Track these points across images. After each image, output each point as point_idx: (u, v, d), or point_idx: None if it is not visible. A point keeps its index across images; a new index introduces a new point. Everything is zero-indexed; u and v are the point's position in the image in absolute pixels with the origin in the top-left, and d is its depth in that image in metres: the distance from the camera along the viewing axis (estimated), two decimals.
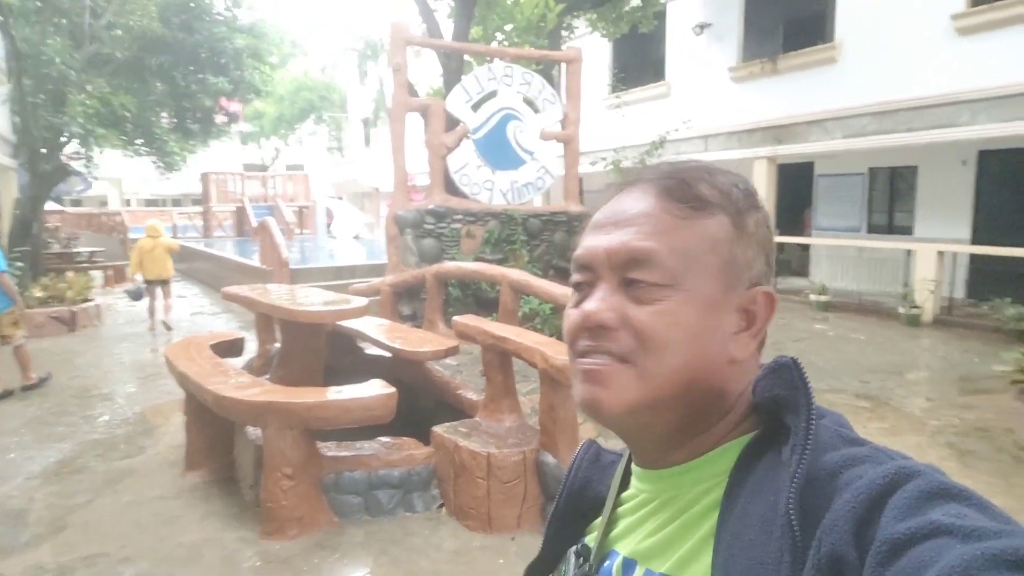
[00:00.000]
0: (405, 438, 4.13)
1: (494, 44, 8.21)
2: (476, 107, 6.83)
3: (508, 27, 7.84)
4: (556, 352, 3.53)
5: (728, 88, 12.70)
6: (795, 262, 13.75)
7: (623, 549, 0.64)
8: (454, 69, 7.42)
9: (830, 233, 12.44)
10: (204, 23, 13.69)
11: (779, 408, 0.56)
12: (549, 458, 3.70)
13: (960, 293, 10.24)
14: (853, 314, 10.49)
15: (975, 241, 10.16)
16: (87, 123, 11.79)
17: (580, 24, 11.96)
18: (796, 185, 13.38)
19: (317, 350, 4.76)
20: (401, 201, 6.65)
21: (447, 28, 8.21)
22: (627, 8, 10.18)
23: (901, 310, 9.72)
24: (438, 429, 4.04)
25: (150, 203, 32.93)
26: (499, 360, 4.08)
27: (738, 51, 12.59)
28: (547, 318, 6.06)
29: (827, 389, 6.59)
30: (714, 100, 12.91)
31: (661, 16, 13.56)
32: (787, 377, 0.56)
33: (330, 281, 10.11)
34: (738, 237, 0.60)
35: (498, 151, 6.90)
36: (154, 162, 17.42)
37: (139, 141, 16.07)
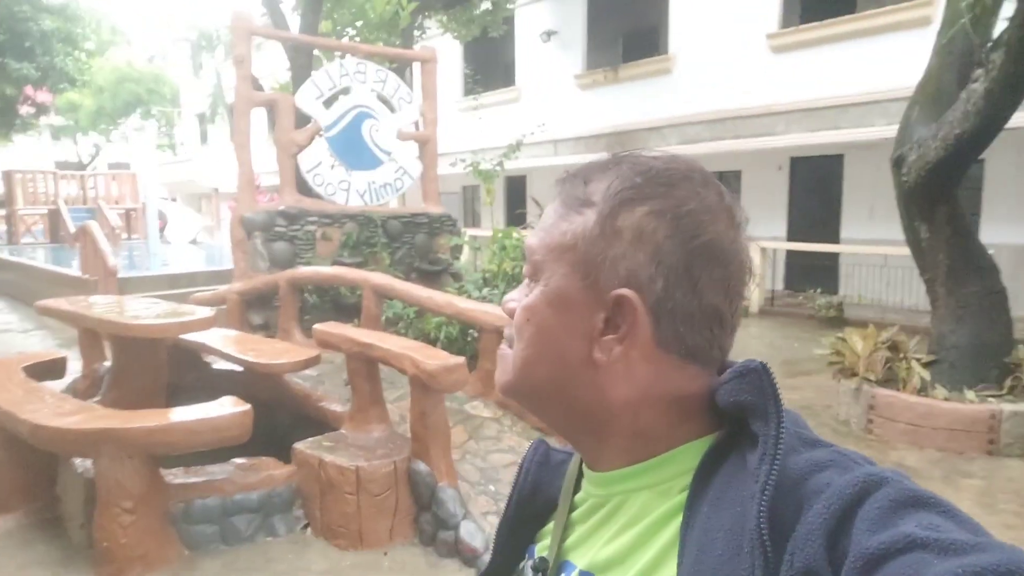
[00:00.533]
0: (263, 458, 3.84)
1: (345, 40, 7.92)
2: (328, 104, 6.54)
3: (359, 23, 7.59)
4: (426, 357, 3.45)
5: (575, 95, 13.25)
6: None
7: (579, 561, 0.61)
8: (302, 64, 7.06)
9: None
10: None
11: (744, 413, 0.54)
12: (421, 466, 3.61)
13: (780, 286, 11.43)
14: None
15: (790, 238, 11.39)
16: None
17: (432, 25, 11.90)
18: None
19: (156, 368, 4.31)
20: (247, 202, 6.21)
21: (293, 22, 7.80)
22: (477, 11, 10.26)
23: None
24: (300, 445, 3.80)
25: None
26: (365, 368, 3.92)
27: (583, 59, 13.18)
28: (412, 322, 5.94)
29: None
30: (562, 106, 13.42)
31: (511, 21, 13.86)
32: (755, 382, 0.53)
33: (165, 291, 9.23)
34: (602, 233, 0.57)
35: (353, 150, 6.66)
36: None
37: None
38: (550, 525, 0.68)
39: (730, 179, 12.77)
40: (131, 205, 19.88)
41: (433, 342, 5.77)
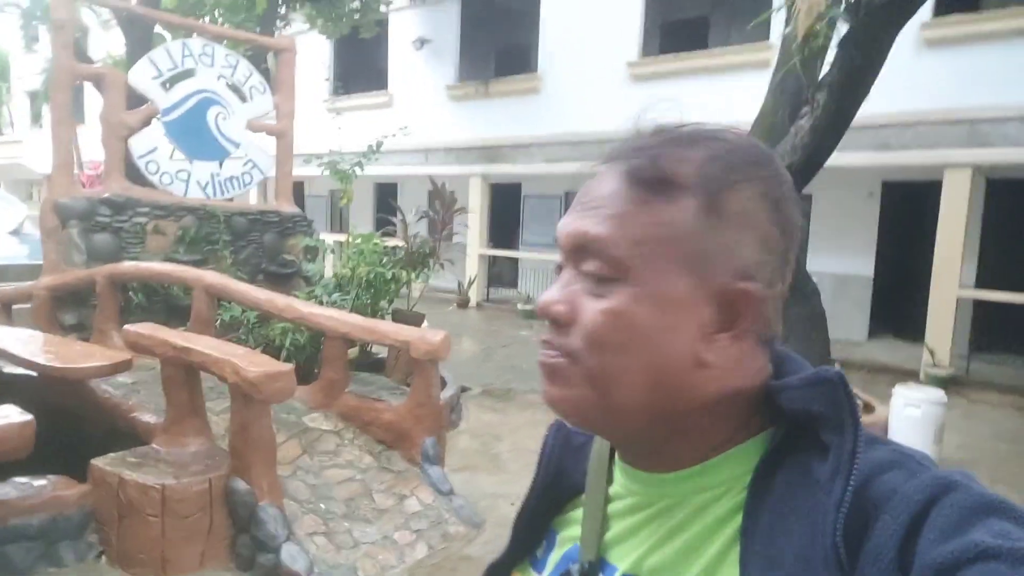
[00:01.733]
0: (50, 476, 3.32)
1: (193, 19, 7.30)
2: (168, 85, 5.95)
3: (210, 2, 7.01)
4: (249, 363, 3.13)
5: (447, 105, 13.18)
6: (506, 274, 14.77)
7: (620, 561, 0.57)
8: (139, 39, 6.39)
9: (535, 248, 13.60)
10: None
11: (812, 422, 0.51)
12: (240, 484, 3.27)
13: None
14: None
15: None
16: None
17: (299, 18, 11.36)
18: (508, 204, 14.40)
19: None
20: (63, 186, 5.47)
21: None
22: (347, 9, 9.91)
23: None
24: (98, 462, 3.32)
25: None
26: (183, 375, 3.51)
27: (455, 70, 13.16)
28: (252, 327, 5.49)
29: (527, 390, 7.08)
30: (434, 115, 13.29)
31: (385, 25, 13.57)
32: (830, 394, 0.50)
33: None
34: (708, 222, 0.52)
35: (195, 138, 6.09)
36: None
37: None
38: (574, 512, 0.65)
39: None
40: None
41: (278, 350, 5.37)
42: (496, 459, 5.10)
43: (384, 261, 6.03)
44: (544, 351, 0.55)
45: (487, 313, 12.37)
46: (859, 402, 5.56)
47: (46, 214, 5.42)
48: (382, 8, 12.00)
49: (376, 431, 4.29)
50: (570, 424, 0.58)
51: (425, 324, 7.01)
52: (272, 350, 5.47)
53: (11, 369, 4.36)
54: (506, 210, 14.54)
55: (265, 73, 6.67)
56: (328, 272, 6.77)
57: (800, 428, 0.52)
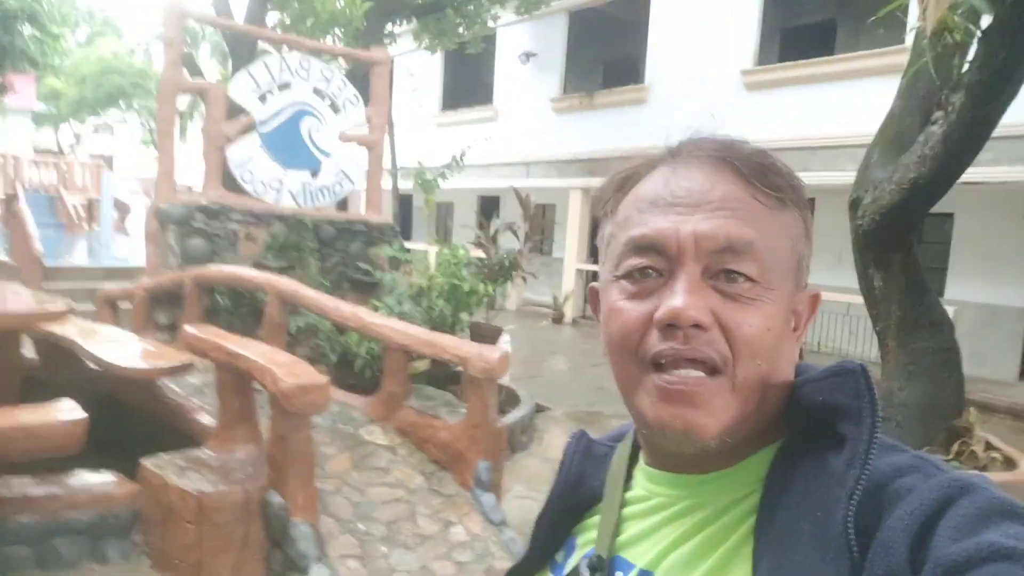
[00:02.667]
0: (103, 473, 3.38)
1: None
2: (264, 98, 6.16)
3: (310, 21, 7.26)
4: (287, 373, 3.02)
5: (550, 118, 13.02)
6: None
7: (637, 560, 0.58)
8: (243, 56, 6.70)
9: None
10: None
11: (832, 414, 0.52)
12: (276, 498, 3.16)
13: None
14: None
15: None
16: None
17: (405, 33, 11.63)
18: None
19: (7, 362, 3.84)
20: (167, 193, 5.78)
21: (241, 11, 7.46)
22: (451, 24, 10.01)
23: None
24: (148, 462, 3.34)
25: None
26: (235, 380, 3.48)
27: (560, 83, 12.98)
28: (329, 335, 5.51)
29: (611, 414, 6.65)
30: (537, 128, 13.17)
31: (492, 40, 13.66)
32: (853, 385, 0.51)
33: (99, 282, 8.71)
34: (805, 235, 0.57)
35: (290, 149, 6.26)
36: None
37: None
38: (592, 519, 0.66)
39: None
40: (95, 195, 19.33)
41: (354, 359, 5.35)
42: None
43: (464, 273, 5.89)
44: (677, 374, 0.53)
45: (582, 330, 11.98)
46: (997, 455, 4.63)
47: (149, 219, 5.74)
48: (490, 23, 12.04)
49: (432, 450, 4.09)
50: (699, 448, 0.54)
51: (505, 339, 6.80)
52: (348, 359, 5.47)
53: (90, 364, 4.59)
54: None
55: (364, 85, 6.74)
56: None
57: (817, 426, 0.52)
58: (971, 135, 4.29)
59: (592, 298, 0.65)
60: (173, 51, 5.65)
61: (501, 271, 6.16)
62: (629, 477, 0.64)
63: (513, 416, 5.42)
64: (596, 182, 12.12)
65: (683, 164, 0.58)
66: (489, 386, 3.80)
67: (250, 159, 6.10)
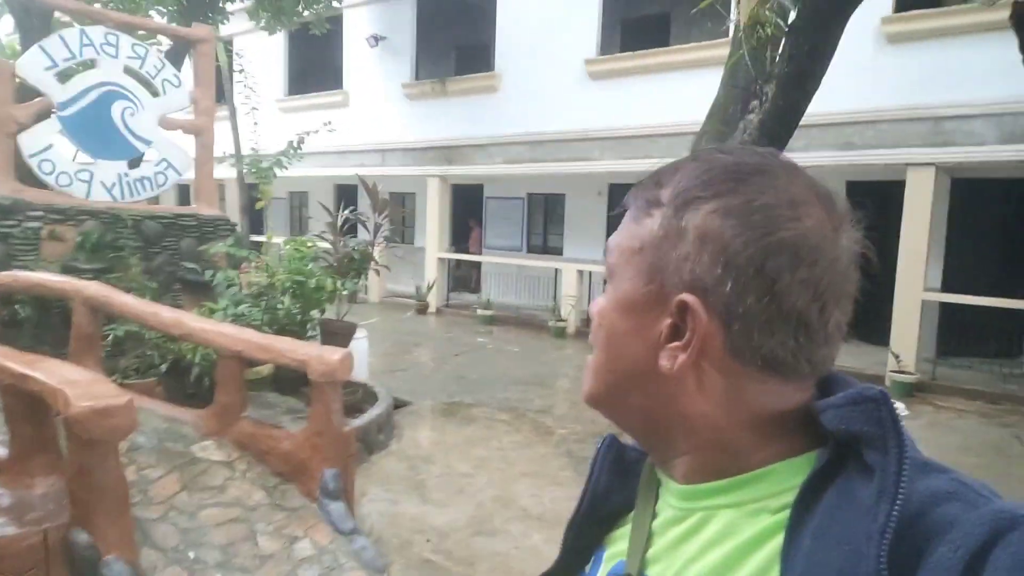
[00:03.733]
0: None
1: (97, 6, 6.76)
2: (64, 77, 5.41)
3: None
4: (81, 395, 2.64)
5: (403, 104, 12.71)
6: (470, 278, 14.32)
7: (661, 575, 0.57)
8: (36, 28, 5.84)
9: (497, 252, 13.17)
10: None
11: (856, 442, 0.49)
12: (83, 536, 2.77)
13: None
14: (512, 327, 11.13)
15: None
16: None
17: (238, 11, 10.80)
18: (470, 205, 13.96)
19: None
20: None
21: None
22: (288, 2, 9.39)
23: (550, 323, 10.58)
24: None
25: None
26: (25, 405, 3.02)
27: (412, 68, 12.69)
28: (158, 342, 4.98)
29: (472, 403, 6.64)
30: (391, 114, 12.82)
31: (339, 21, 13.07)
32: (872, 412, 0.49)
33: None
34: (664, 236, 0.55)
35: (98, 135, 5.55)
36: None
37: None
38: (621, 529, 0.66)
39: (554, 201, 12.83)
40: None
41: (188, 368, 4.87)
42: (422, 486, 4.64)
43: (310, 267, 5.55)
44: None
45: (446, 319, 11.90)
46: None
47: None
48: (334, 3, 11.48)
49: (273, 462, 3.81)
50: (590, 405, 0.61)
51: (360, 335, 6.54)
52: (181, 369, 4.98)
53: None
54: (468, 212, 14.10)
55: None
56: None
57: (848, 447, 0.51)
58: (783, 122, 4.63)
59: None
60: None
61: (351, 264, 5.88)
62: (659, 487, 0.64)
63: (369, 415, 5.22)
64: (454, 170, 12.02)
65: None
66: (332, 389, 3.59)
67: (49, 147, 5.35)
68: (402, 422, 5.92)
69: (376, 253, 6.43)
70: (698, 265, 0.52)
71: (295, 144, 7.11)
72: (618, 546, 0.64)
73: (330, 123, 9.21)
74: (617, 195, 11.76)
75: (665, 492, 0.62)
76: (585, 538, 0.69)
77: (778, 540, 0.50)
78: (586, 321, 10.61)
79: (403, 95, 12.65)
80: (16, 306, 4.97)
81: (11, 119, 5.09)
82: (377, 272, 6.26)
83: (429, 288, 12.23)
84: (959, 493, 0.46)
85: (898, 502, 0.45)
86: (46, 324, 5.18)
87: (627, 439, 0.69)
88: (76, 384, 2.75)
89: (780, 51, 4.41)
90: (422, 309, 12.14)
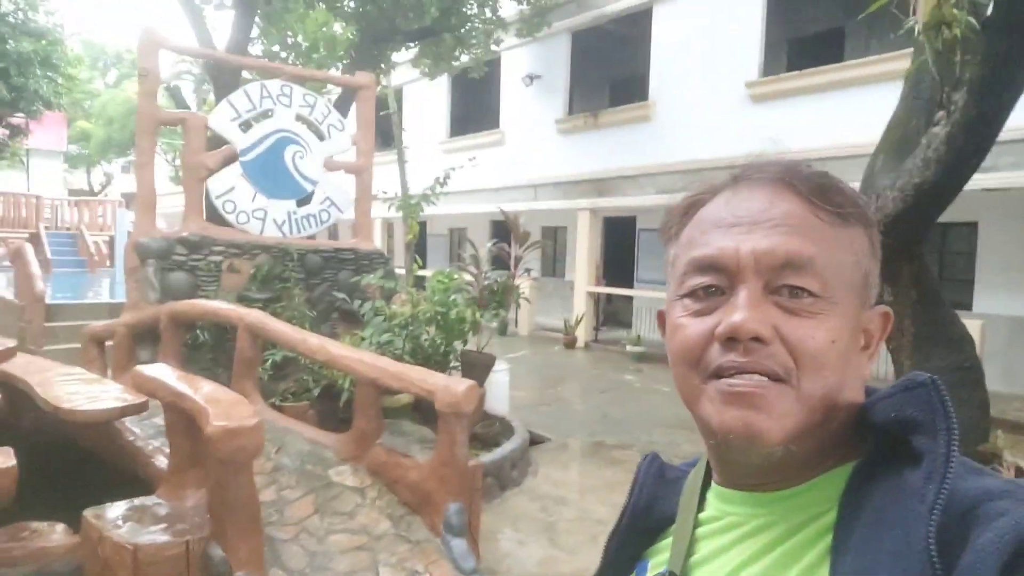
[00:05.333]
0: (41, 524, 3.18)
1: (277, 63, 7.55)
2: (246, 127, 6.06)
3: (292, 43, 7.18)
4: (219, 415, 2.80)
5: (556, 139, 12.85)
6: (622, 313, 13.97)
7: None
8: (226, 84, 6.63)
9: (650, 285, 12.72)
10: None
11: (906, 430, 0.51)
12: (217, 551, 2.92)
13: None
14: (663, 365, 10.60)
15: None
16: None
17: (404, 60, 11.59)
18: (622, 238, 13.69)
19: None
20: (146, 227, 5.68)
21: (224, 41, 7.44)
22: (447, 49, 9.91)
23: None
24: (90, 512, 3.13)
25: None
26: (182, 422, 3.27)
27: (565, 104, 12.82)
28: (312, 367, 5.29)
29: (615, 444, 6.32)
30: (543, 150, 13.01)
31: (496, 64, 13.61)
32: (924, 398, 0.51)
33: (103, 319, 8.68)
34: (871, 252, 0.58)
35: (273, 177, 6.14)
36: None
37: None
38: (664, 541, 0.67)
39: None
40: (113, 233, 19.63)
41: (338, 394, 5.12)
42: (552, 529, 4.43)
43: (453, 298, 5.65)
44: (731, 380, 0.54)
45: (594, 355, 11.64)
46: None
47: (128, 253, 5.63)
48: (492, 47, 11.97)
49: (402, 491, 3.82)
50: (763, 453, 0.55)
51: (501, 367, 6.53)
52: (333, 395, 5.24)
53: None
54: (619, 245, 13.83)
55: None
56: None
57: (893, 443, 0.52)
58: (976, 135, 3.97)
59: (660, 321, 0.66)
60: (149, 82, 5.59)
61: (493, 296, 5.91)
62: (702, 499, 0.65)
63: (503, 450, 5.13)
64: (603, 202, 11.88)
65: (744, 187, 0.60)
66: (457, 420, 3.53)
67: (232, 189, 5.98)
68: (539, 459, 5.77)
69: (524, 286, 6.43)
70: (876, 280, 0.59)
71: (441, 180, 7.39)
72: (662, 556, 0.66)
73: (475, 158, 9.51)
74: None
75: (720, 500, 0.62)
76: (626, 551, 0.71)
77: (827, 539, 0.51)
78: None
79: (556, 130, 12.79)
80: (197, 331, 5.54)
81: (203, 165, 5.77)
82: (518, 305, 6.23)
83: (577, 322, 12.07)
84: (1012, 492, 0.47)
85: (947, 483, 0.46)
86: (222, 348, 5.72)
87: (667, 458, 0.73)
88: (218, 404, 2.93)
89: (970, 55, 3.78)
90: (570, 343, 12.00)
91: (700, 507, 0.65)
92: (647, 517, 0.70)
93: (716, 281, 0.57)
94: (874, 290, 0.59)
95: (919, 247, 4.66)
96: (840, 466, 0.55)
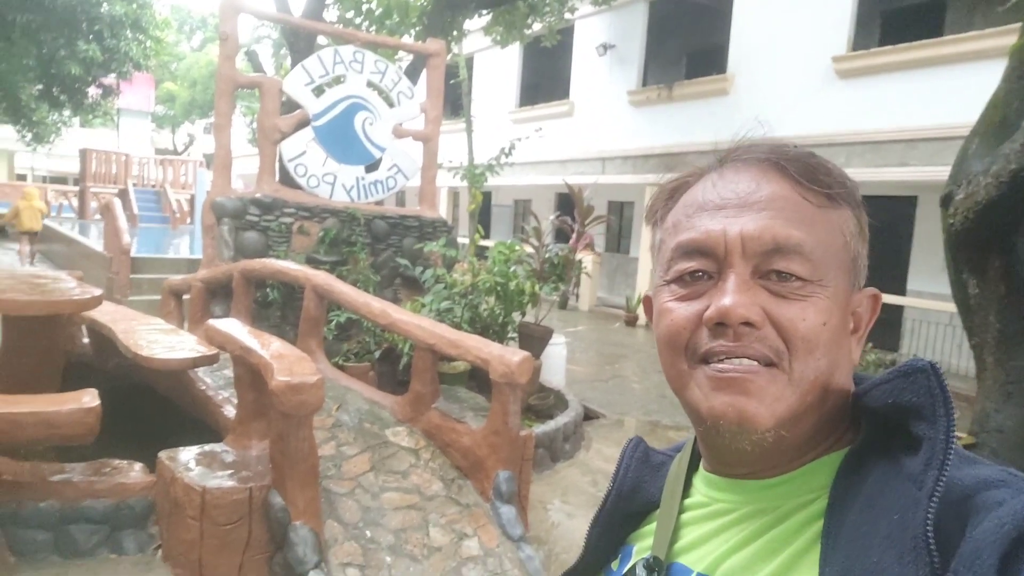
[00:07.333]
0: (121, 462, 3.41)
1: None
2: (318, 92, 6.18)
3: (365, 10, 7.23)
4: (283, 370, 2.91)
5: (627, 112, 12.56)
6: None
7: (695, 564, 0.58)
8: (302, 50, 6.75)
9: None
10: None
11: (903, 416, 0.50)
12: (278, 499, 3.06)
13: None
14: None
15: None
16: None
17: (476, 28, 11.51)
18: None
19: (46, 348, 3.97)
20: (222, 187, 5.91)
21: (300, 6, 7.55)
22: (520, 17, 9.78)
23: None
24: (164, 455, 3.33)
25: (20, 178, 30.52)
26: (249, 375, 3.42)
27: (639, 75, 12.50)
28: (373, 329, 5.43)
29: (671, 425, 6.25)
30: (613, 122, 12.76)
31: (570, 32, 13.36)
32: (924, 383, 0.50)
33: (183, 273, 9.15)
34: (859, 233, 0.58)
35: (343, 142, 6.26)
36: (19, 131, 15.86)
37: (2, 106, 14.56)
38: (649, 526, 0.67)
39: None
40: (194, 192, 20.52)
41: (398, 356, 5.25)
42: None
43: (513, 270, 5.66)
44: (721, 365, 0.53)
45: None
46: None
47: (206, 212, 5.88)
48: (567, 15, 11.73)
49: (454, 455, 3.90)
50: (754, 439, 0.53)
51: (558, 340, 6.53)
52: (394, 357, 5.38)
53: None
54: None
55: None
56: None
57: (887, 430, 0.52)
58: None
59: (647, 306, 0.65)
60: (228, 46, 5.75)
61: (553, 269, 5.88)
62: (688, 484, 0.64)
63: (556, 422, 5.15)
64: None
65: (730, 169, 0.59)
66: (510, 390, 3.56)
67: (303, 153, 6.13)
68: (592, 434, 5.77)
69: (586, 261, 6.37)
70: (864, 261, 0.58)
71: (506, 151, 7.36)
72: (646, 541, 0.65)
73: (540, 129, 9.40)
74: (866, 206, 10.34)
75: (707, 486, 0.62)
76: (610, 535, 0.70)
77: (818, 525, 0.51)
78: None
79: (627, 103, 12.51)
80: (268, 289, 5.76)
81: (276, 129, 5.93)
82: (577, 280, 6.18)
83: (639, 300, 11.91)
84: (1008, 481, 0.47)
85: (946, 467, 0.46)
86: (290, 306, 5.94)
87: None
88: (283, 359, 3.04)
89: None
90: (631, 321, 11.88)
91: (686, 493, 0.64)
92: (631, 501, 0.70)
93: (703, 266, 0.56)
94: (863, 272, 0.58)
95: (1011, 238, 4.35)
96: (830, 453, 0.55)
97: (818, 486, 0.54)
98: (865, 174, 8.92)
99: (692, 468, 0.66)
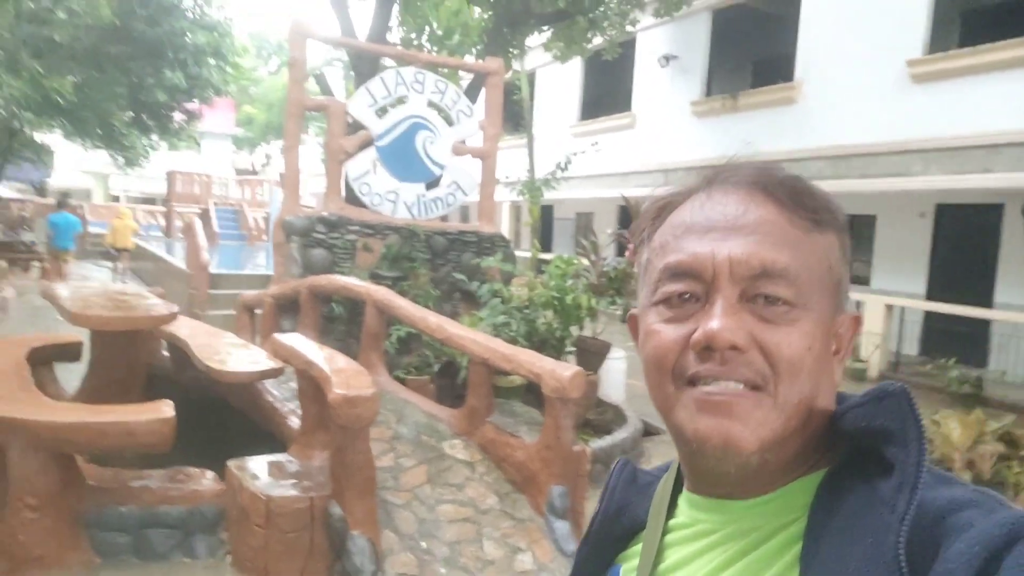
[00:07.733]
0: (194, 470, 3.60)
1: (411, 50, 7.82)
2: (381, 113, 6.39)
3: (428, 31, 7.41)
4: (340, 384, 3.02)
5: (690, 123, 12.39)
6: None
7: None
8: (365, 72, 7.00)
9: None
10: (168, 17, 13.34)
11: (876, 439, 0.52)
12: (337, 509, 3.17)
13: (912, 350, 9.80)
14: None
15: (930, 297, 9.73)
16: (9, 105, 11.31)
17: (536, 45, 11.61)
18: None
19: (131, 361, 4.24)
20: (291, 206, 6.18)
21: (365, 29, 7.83)
22: (579, 31, 9.82)
23: (847, 363, 9.28)
24: (232, 463, 3.50)
25: (114, 199, 32.60)
26: (311, 387, 3.57)
27: (702, 85, 12.32)
28: (433, 343, 5.53)
29: None
30: (676, 134, 12.60)
31: (631, 45, 13.31)
32: (894, 407, 0.51)
33: (258, 288, 9.58)
34: (843, 257, 0.58)
35: (404, 161, 6.44)
36: (112, 156, 17.01)
37: (98, 132, 15.67)
38: (635, 547, 0.67)
39: (862, 224, 11.24)
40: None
41: (457, 370, 5.34)
42: None
43: (570, 283, 5.67)
44: (708, 388, 0.54)
45: None
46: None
47: (277, 230, 6.15)
48: (628, 28, 11.71)
49: (509, 469, 3.93)
50: (738, 462, 0.54)
51: (618, 355, 6.47)
52: (453, 371, 5.47)
53: None
54: None
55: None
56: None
57: (863, 453, 0.52)
58: None
59: (632, 325, 0.65)
60: (297, 70, 6.04)
61: (610, 283, 5.86)
62: (673, 505, 0.65)
63: (613, 438, 5.11)
64: None
65: (718, 191, 0.59)
66: (562, 405, 3.57)
67: (367, 172, 6.35)
68: (651, 451, 5.68)
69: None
70: (847, 282, 0.59)
71: (562, 165, 7.39)
72: (633, 561, 0.66)
73: (596, 143, 9.38)
74: (946, 217, 9.83)
75: (691, 507, 0.62)
76: (597, 556, 0.71)
77: (797, 548, 0.52)
78: (894, 365, 9.06)
79: (690, 113, 12.34)
80: (333, 304, 5.97)
81: (341, 149, 6.17)
82: (632, 293, 6.13)
83: None
84: (978, 501, 0.47)
85: (917, 492, 0.46)
86: (355, 321, 6.12)
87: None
88: (341, 373, 3.16)
89: None
90: None
91: (671, 513, 0.65)
92: (618, 522, 0.70)
93: (691, 288, 0.56)
94: (847, 295, 0.59)
95: None
96: (810, 474, 0.56)
97: (798, 506, 0.54)
98: (944, 181, 8.49)
99: (677, 489, 0.66)
